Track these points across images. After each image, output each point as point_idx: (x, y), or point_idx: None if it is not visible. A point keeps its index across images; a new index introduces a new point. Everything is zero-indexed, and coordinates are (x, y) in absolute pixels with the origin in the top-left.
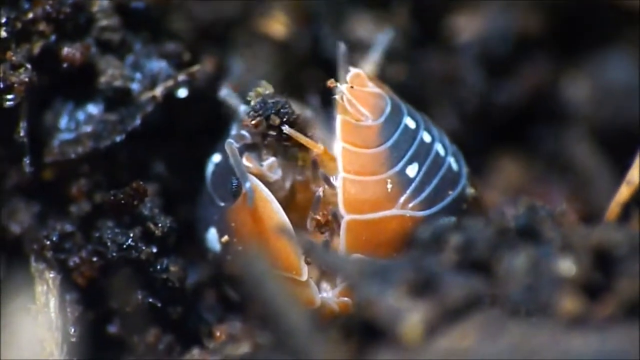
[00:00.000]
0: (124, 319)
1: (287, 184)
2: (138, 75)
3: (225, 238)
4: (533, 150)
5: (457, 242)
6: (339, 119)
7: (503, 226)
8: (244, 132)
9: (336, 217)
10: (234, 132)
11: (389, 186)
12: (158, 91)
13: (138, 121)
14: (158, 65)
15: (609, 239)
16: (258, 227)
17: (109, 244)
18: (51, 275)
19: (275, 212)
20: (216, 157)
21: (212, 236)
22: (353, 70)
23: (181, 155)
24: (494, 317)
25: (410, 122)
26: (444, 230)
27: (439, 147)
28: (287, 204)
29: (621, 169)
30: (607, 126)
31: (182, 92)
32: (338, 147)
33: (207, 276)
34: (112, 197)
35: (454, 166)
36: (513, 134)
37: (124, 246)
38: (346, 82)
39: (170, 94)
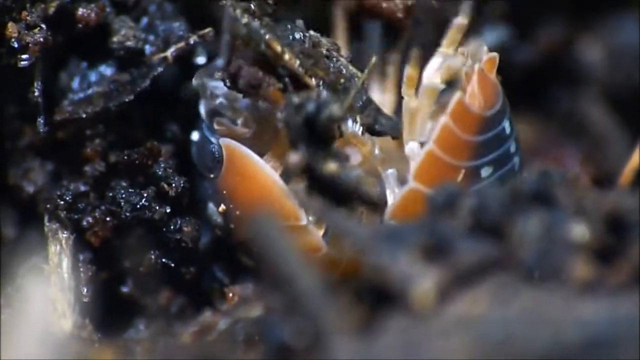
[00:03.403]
0: (137, 279)
1: (267, 136)
2: (151, 37)
3: (222, 207)
4: (547, 113)
5: (471, 206)
6: (457, 95)
7: (516, 191)
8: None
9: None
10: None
11: (460, 176)
12: (170, 52)
13: (148, 82)
14: (171, 26)
15: (622, 205)
16: (246, 185)
17: (122, 204)
18: (64, 235)
19: (256, 164)
20: (195, 136)
21: (212, 210)
22: (490, 54)
23: (196, 116)
24: (506, 282)
25: (507, 127)
26: (457, 195)
27: (516, 161)
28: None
29: (634, 131)
30: (621, 89)
31: (201, 60)
32: (442, 119)
33: (220, 238)
34: (126, 157)
35: None
36: (527, 96)
37: (138, 206)
38: (479, 62)
39: (183, 56)
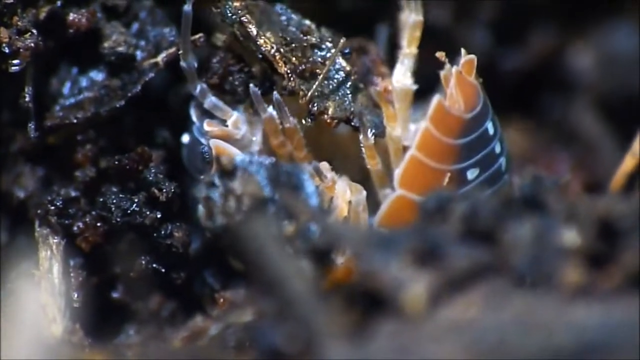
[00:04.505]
0: (128, 284)
1: (258, 137)
2: (142, 42)
3: None
4: (539, 119)
5: (462, 212)
6: (436, 98)
7: (508, 197)
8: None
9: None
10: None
11: (446, 180)
12: (161, 58)
13: (139, 87)
14: (162, 32)
15: (614, 210)
16: None
17: (113, 209)
18: (55, 241)
19: None
20: (185, 138)
21: (202, 213)
22: (468, 56)
23: (187, 121)
24: (498, 287)
25: (490, 128)
26: (449, 200)
27: (502, 162)
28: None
29: (625, 138)
30: (612, 96)
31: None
32: (422, 124)
33: (211, 243)
34: (116, 163)
35: (507, 184)
36: (519, 103)
37: (128, 211)
38: (457, 65)
39: (174, 61)
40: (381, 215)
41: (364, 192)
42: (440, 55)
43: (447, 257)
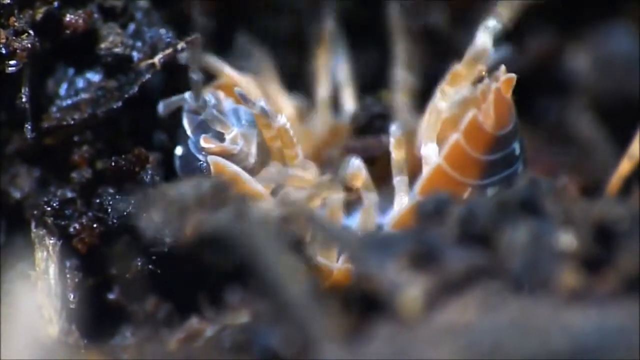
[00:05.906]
0: (124, 286)
1: (253, 149)
2: (138, 43)
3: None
4: (535, 122)
5: (459, 215)
6: (471, 112)
7: (504, 200)
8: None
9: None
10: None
11: (466, 194)
12: (157, 59)
13: (136, 88)
14: (158, 33)
15: (610, 214)
16: None
17: (109, 210)
18: (51, 242)
19: (244, 181)
20: (178, 150)
21: None
22: (508, 74)
23: (180, 131)
24: (494, 291)
25: (517, 148)
26: (446, 203)
27: None
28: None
29: (622, 141)
30: (609, 98)
31: (183, 58)
32: (454, 136)
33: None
34: (113, 164)
35: None
36: (516, 105)
37: (125, 213)
38: (496, 81)
39: (170, 62)
40: (396, 219)
41: (341, 195)
42: (481, 70)
43: (443, 260)
